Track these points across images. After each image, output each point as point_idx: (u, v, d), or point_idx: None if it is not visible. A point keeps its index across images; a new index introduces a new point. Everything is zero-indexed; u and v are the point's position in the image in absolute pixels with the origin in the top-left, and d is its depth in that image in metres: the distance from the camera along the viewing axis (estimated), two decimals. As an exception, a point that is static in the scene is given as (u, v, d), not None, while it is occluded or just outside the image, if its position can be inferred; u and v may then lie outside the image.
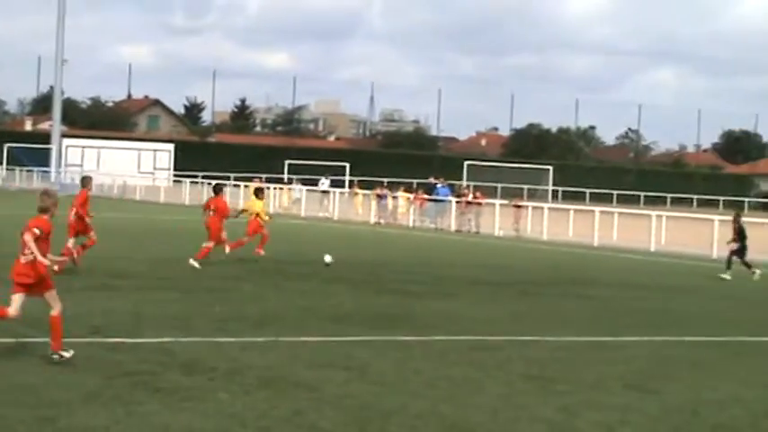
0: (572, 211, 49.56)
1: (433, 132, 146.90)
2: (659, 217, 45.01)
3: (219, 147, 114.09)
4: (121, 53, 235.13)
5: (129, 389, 11.37)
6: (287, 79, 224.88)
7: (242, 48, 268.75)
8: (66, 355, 12.52)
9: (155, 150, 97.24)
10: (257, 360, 13.46)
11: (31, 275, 12.63)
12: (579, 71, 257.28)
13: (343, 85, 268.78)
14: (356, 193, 61.56)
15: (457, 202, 52.81)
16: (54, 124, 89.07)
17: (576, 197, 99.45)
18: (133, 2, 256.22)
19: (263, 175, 74.04)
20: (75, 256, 23.02)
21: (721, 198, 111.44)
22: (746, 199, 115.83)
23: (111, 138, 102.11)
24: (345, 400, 11.42)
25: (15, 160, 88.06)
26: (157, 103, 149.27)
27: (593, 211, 48.44)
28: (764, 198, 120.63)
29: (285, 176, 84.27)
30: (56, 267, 16.71)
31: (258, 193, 30.65)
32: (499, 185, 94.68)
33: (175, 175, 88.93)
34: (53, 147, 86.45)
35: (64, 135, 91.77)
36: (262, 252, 28.53)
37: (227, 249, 26.60)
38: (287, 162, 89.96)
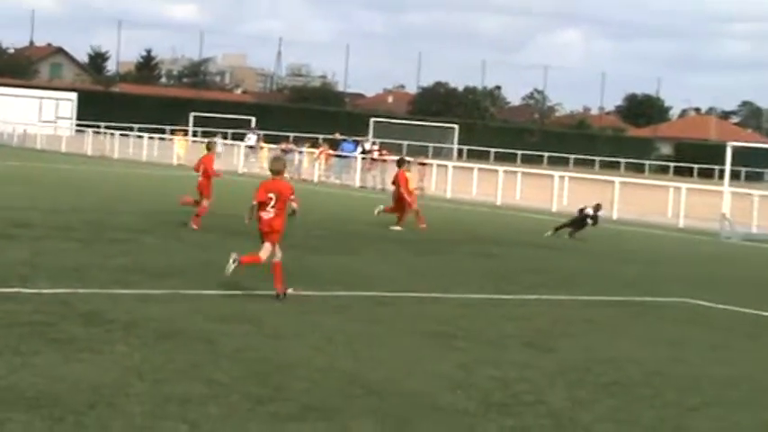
0: (476, 170, 49.81)
1: (341, 88, 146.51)
2: (562, 177, 45.44)
3: (124, 97, 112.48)
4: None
5: (25, 339, 11.21)
6: (194, 32, 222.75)
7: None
8: None
9: (57, 99, 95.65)
10: (156, 313, 13.36)
11: None
12: (487, 31, 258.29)
13: (250, 39, 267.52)
14: (261, 147, 61.23)
15: (362, 158, 52.78)
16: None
17: (481, 156, 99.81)
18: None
19: (180, 127, 73.12)
20: None
21: (623, 160, 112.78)
22: (647, 162, 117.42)
23: (12, 85, 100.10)
24: (243, 353, 11.38)
25: None
26: (61, 51, 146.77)
27: (496, 171, 48.72)
28: (665, 161, 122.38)
29: (190, 129, 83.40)
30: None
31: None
32: (405, 143, 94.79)
33: (78, 125, 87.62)
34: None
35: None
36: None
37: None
38: (192, 114, 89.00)
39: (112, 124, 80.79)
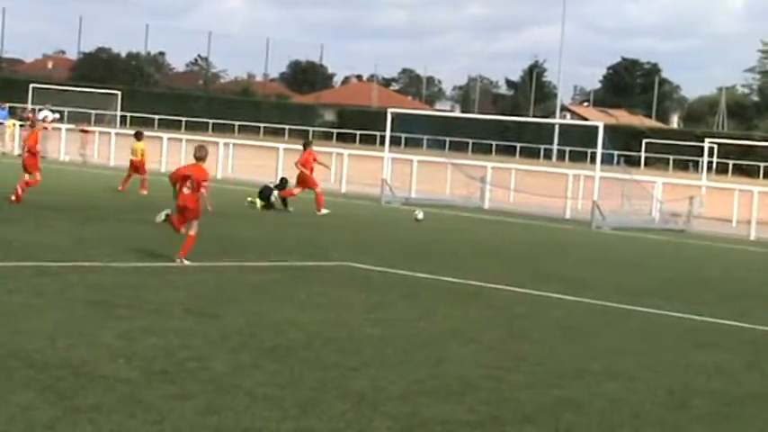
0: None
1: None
2: (227, 144, 45.59)
3: None
4: None
5: None
6: None
7: None
8: None
9: None
10: None
11: None
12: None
13: None
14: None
15: (21, 126, 51.16)
16: None
17: (146, 123, 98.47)
18: None
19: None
20: None
21: (287, 127, 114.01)
22: (312, 128, 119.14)
23: None
24: None
25: None
26: None
27: (161, 138, 48.30)
28: (329, 128, 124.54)
29: None
30: None
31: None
32: (66, 110, 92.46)
33: None
34: None
35: None
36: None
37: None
38: None
39: None
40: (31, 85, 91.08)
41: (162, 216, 18.11)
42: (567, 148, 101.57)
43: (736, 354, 13.41)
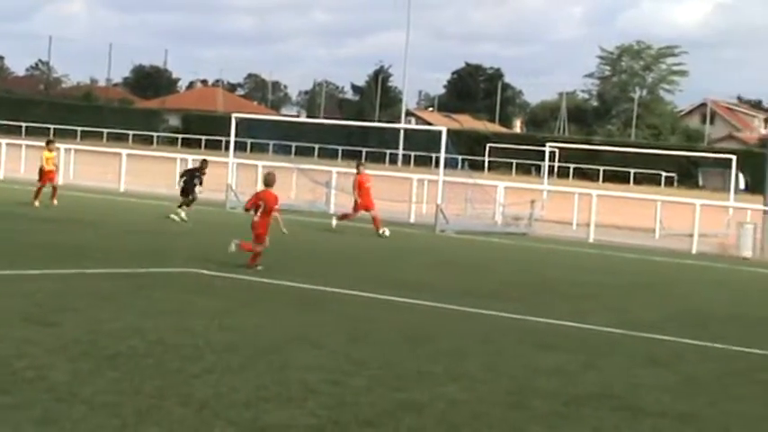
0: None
1: None
2: (68, 150, 44.90)
3: None
4: None
5: None
6: None
7: None
8: None
9: None
10: None
11: None
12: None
13: None
14: None
15: None
16: None
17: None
18: None
19: None
20: None
21: (131, 132, 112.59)
22: (156, 134, 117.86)
23: None
24: None
25: None
26: None
27: (0, 144, 47.23)
28: (174, 133, 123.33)
29: None
30: None
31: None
32: None
33: None
34: None
35: None
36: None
37: None
38: None
39: None
40: None
41: (233, 247, 19.70)
42: (413, 153, 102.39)
43: (575, 354, 13.69)
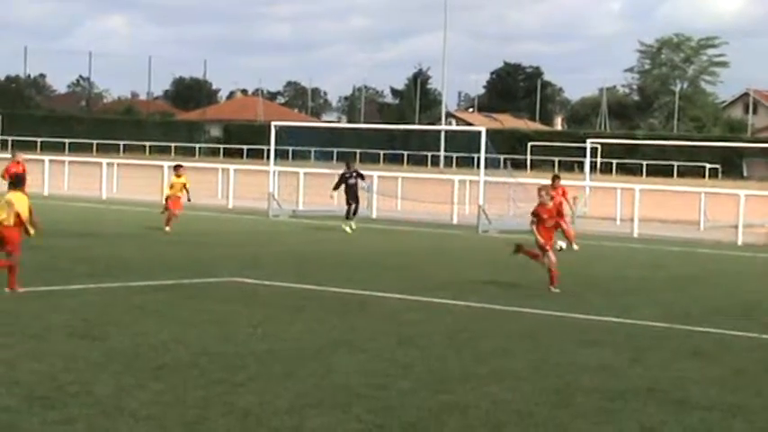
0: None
1: None
2: (110, 164, 45.15)
3: None
4: None
5: None
6: None
7: None
8: None
9: None
10: None
11: None
12: (27, 18, 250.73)
13: None
14: None
15: None
16: None
17: (28, 146, 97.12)
18: None
19: None
20: None
21: (173, 144, 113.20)
22: (198, 145, 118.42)
23: None
24: None
25: None
26: None
27: (43, 161, 47.58)
28: (215, 144, 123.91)
29: None
30: None
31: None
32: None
33: None
34: None
35: None
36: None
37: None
38: None
39: None
40: None
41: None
42: (454, 155, 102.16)
43: (620, 350, 13.61)
